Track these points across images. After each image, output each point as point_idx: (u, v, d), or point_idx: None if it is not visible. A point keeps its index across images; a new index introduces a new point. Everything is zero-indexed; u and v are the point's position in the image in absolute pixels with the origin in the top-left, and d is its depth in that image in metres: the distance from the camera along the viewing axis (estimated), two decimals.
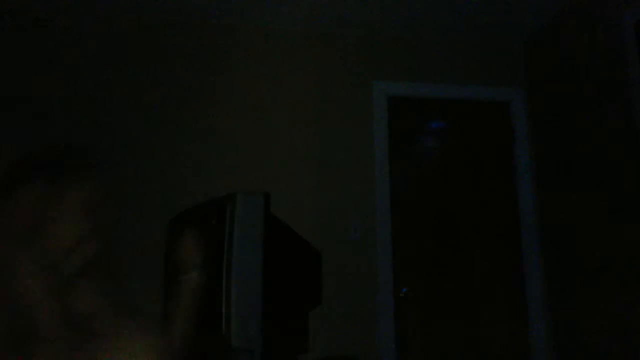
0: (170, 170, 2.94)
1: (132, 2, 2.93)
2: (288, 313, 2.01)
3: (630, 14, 2.47)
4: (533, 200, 3.21)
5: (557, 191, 3.03)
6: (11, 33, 2.94)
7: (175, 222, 2.28)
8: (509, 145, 3.32)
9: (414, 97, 3.29)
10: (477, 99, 3.34)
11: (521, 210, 3.22)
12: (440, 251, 3.13)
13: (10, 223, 0.83)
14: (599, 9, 2.71)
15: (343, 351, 2.84)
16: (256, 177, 2.98)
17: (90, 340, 0.85)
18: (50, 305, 0.83)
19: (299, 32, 3.23)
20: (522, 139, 3.29)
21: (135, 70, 3.03)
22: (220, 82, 3.10)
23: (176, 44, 3.10)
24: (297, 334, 2.04)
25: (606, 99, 2.64)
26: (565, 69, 2.99)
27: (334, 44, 3.25)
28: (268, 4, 2.98)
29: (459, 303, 3.07)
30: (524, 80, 3.38)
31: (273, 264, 1.83)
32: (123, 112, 2.96)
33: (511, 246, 3.19)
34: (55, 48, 2.97)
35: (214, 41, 3.14)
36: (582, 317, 2.77)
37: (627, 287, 2.46)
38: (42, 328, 0.81)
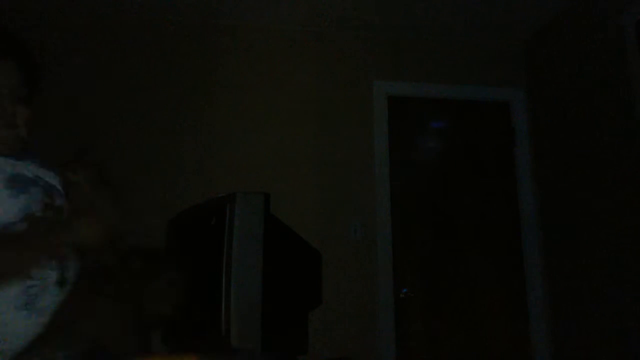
0: (170, 170, 2.93)
1: (131, 2, 2.93)
2: (288, 313, 2.00)
3: (630, 14, 2.47)
4: (533, 200, 3.21)
5: (557, 191, 3.03)
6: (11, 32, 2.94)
7: (175, 222, 2.28)
8: (509, 145, 3.31)
9: (414, 97, 3.29)
10: (477, 99, 3.34)
11: (521, 210, 3.21)
12: (441, 251, 3.13)
13: None
14: (599, 9, 2.71)
15: (343, 351, 2.84)
16: (256, 177, 2.98)
17: None
18: None
19: (299, 31, 3.23)
20: (522, 139, 3.29)
21: (135, 70, 3.02)
22: (220, 81, 3.09)
23: (176, 44, 3.10)
24: (297, 334, 2.04)
25: (606, 99, 2.64)
26: (565, 69, 2.98)
27: (334, 43, 3.25)
28: (268, 4, 2.98)
29: (459, 303, 3.07)
30: (524, 80, 3.38)
31: (273, 264, 1.83)
32: (123, 112, 2.95)
33: (511, 246, 3.18)
34: (54, 48, 2.96)
35: (214, 41, 3.13)
36: (583, 317, 2.76)
37: (627, 287, 2.46)
38: None
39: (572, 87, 2.92)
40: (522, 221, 3.20)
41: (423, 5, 2.98)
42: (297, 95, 3.14)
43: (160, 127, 2.97)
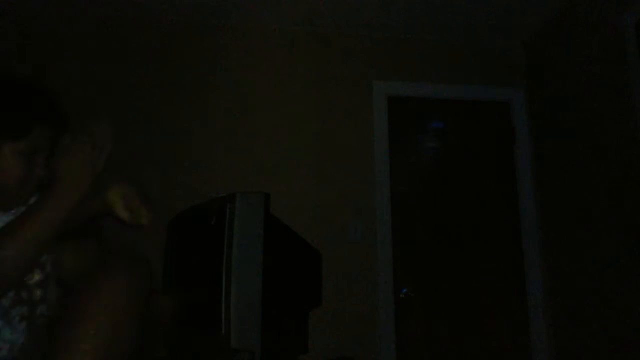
0: (170, 170, 2.93)
1: (132, 2, 2.93)
2: (288, 313, 2.00)
3: (630, 14, 2.47)
4: (533, 200, 3.20)
5: (557, 191, 3.03)
6: (11, 33, 2.94)
7: (175, 222, 2.28)
8: (509, 145, 3.31)
9: (414, 97, 3.29)
10: (477, 99, 3.34)
11: (521, 210, 3.21)
12: (441, 251, 3.13)
13: None
14: (599, 9, 2.71)
15: (343, 351, 2.84)
16: (256, 177, 2.98)
17: None
18: None
19: (299, 32, 3.23)
20: (522, 139, 3.29)
21: (135, 70, 3.02)
22: (220, 81, 3.09)
23: (176, 44, 3.09)
24: (297, 334, 2.04)
25: (606, 99, 2.64)
26: (565, 69, 2.98)
27: (334, 44, 3.25)
28: (268, 4, 2.98)
29: (459, 303, 3.07)
30: (524, 80, 3.38)
31: (273, 264, 1.83)
32: (123, 112, 2.95)
33: (511, 246, 3.18)
34: (54, 48, 2.96)
35: (213, 41, 3.13)
36: (583, 317, 2.76)
37: (627, 287, 2.46)
38: None
39: (572, 87, 2.92)
40: (522, 221, 3.20)
41: (423, 5, 2.98)
42: (297, 95, 3.14)
43: (160, 127, 2.97)
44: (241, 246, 1.79)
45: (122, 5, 2.96)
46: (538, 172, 3.22)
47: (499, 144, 3.32)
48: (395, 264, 3.03)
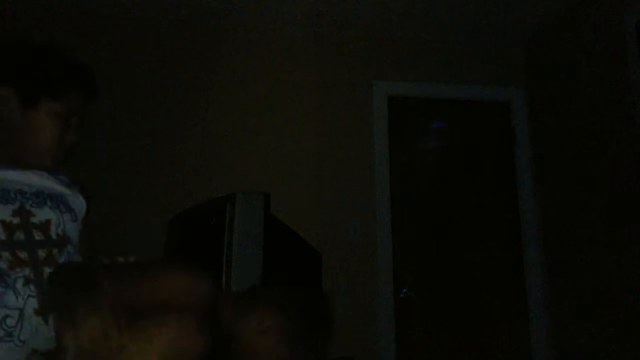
0: (170, 170, 2.93)
1: (132, 2, 2.93)
2: None
3: (630, 14, 2.47)
4: (533, 200, 3.20)
5: (557, 191, 3.03)
6: (11, 33, 2.93)
7: (175, 222, 2.28)
8: (509, 145, 3.31)
9: (414, 97, 3.29)
10: (477, 99, 3.34)
11: (521, 210, 3.21)
12: (441, 251, 3.13)
13: None
14: (599, 9, 2.71)
15: (343, 351, 2.84)
16: (256, 177, 2.98)
17: None
18: None
19: (299, 32, 3.23)
20: (522, 139, 3.28)
21: (135, 70, 3.02)
22: (220, 81, 3.09)
23: (176, 44, 3.09)
24: None
25: (606, 99, 2.64)
26: (565, 69, 2.98)
27: (334, 44, 3.25)
28: (268, 4, 2.97)
29: (459, 303, 3.07)
30: (524, 80, 3.38)
31: (273, 264, 1.83)
32: (123, 112, 2.95)
33: (511, 246, 3.18)
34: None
35: (214, 41, 3.13)
36: (583, 318, 2.76)
37: (627, 287, 2.45)
38: None
39: (572, 87, 2.92)
40: (522, 221, 3.19)
41: (423, 5, 2.98)
42: (297, 95, 3.14)
43: (160, 127, 2.97)
44: (241, 246, 1.79)
45: (122, 5, 2.96)
46: (538, 173, 3.21)
47: (499, 144, 3.31)
48: (395, 264, 3.03)
